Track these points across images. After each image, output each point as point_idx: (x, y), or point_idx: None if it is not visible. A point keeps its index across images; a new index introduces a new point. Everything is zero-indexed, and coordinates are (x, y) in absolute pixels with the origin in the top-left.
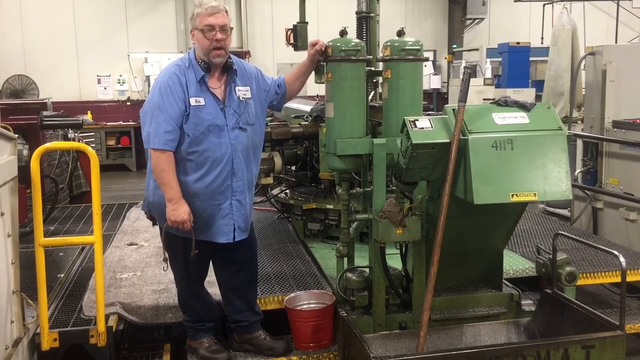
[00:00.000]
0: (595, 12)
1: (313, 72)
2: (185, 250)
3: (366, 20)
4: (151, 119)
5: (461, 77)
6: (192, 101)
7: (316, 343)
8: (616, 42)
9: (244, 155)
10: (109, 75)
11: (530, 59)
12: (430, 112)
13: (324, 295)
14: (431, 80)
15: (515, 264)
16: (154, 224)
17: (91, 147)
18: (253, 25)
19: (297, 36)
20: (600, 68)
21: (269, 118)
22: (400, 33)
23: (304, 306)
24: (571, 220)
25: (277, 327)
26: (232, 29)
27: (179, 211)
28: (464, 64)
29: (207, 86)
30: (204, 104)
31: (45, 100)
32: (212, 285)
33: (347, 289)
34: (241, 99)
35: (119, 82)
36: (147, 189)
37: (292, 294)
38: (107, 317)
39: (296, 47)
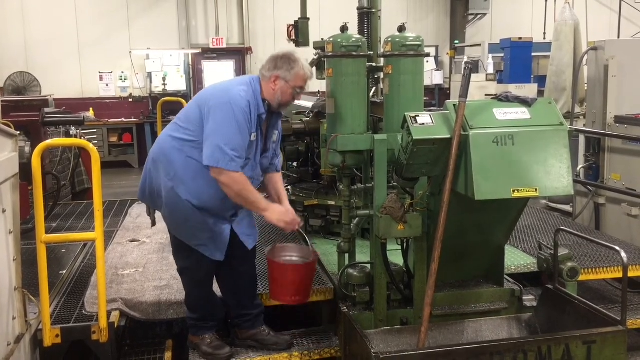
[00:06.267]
0: (598, 7)
1: (315, 68)
2: (199, 255)
3: (368, 16)
4: (226, 138)
5: (462, 72)
6: (252, 137)
7: (293, 297)
8: (619, 37)
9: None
10: (111, 72)
11: (533, 54)
12: (432, 108)
13: (305, 250)
14: (433, 76)
15: (516, 259)
16: (154, 224)
17: (93, 144)
18: (254, 22)
19: (299, 32)
20: (603, 63)
21: None
22: (402, 29)
23: (287, 258)
24: (573, 216)
25: (277, 323)
26: None
27: (286, 214)
28: (465, 60)
29: (261, 123)
30: (254, 139)
31: (47, 97)
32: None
33: (349, 284)
34: (273, 140)
35: (121, 79)
36: (161, 190)
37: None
38: (109, 313)
39: (297, 43)
